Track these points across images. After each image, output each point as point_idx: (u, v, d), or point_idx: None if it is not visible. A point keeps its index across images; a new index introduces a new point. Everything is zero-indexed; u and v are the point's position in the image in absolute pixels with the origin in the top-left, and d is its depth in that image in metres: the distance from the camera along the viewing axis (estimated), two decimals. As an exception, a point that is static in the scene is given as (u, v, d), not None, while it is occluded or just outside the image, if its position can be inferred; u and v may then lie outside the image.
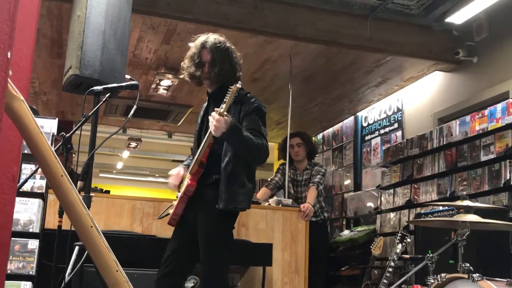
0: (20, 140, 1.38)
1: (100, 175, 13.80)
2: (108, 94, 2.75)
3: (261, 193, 5.45)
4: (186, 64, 3.06)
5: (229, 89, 2.71)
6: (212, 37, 3.02)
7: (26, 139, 1.26)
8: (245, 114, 2.91)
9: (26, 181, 2.64)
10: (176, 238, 2.98)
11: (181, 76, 3.16)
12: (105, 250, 1.33)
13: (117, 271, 1.33)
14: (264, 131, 2.94)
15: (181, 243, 2.94)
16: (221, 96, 2.83)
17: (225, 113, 2.71)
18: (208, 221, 2.84)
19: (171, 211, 3.01)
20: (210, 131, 2.77)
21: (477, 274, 2.68)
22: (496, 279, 2.71)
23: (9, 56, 1.00)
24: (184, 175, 3.05)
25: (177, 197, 3.03)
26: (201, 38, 3.04)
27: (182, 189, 2.93)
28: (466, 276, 2.74)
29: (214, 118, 2.70)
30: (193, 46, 3.06)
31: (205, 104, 3.19)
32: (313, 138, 8.37)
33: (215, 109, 2.73)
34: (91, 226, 1.32)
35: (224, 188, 2.82)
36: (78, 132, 2.66)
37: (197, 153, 2.89)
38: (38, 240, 3.34)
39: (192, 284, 3.59)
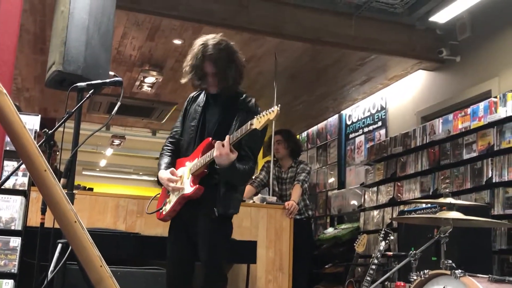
0: (3, 135, 1.36)
1: (83, 172, 13.70)
2: (92, 91, 2.72)
3: (246, 190, 5.43)
4: (188, 72, 2.95)
5: (250, 125, 2.59)
6: (211, 44, 2.88)
7: (9, 133, 1.24)
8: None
9: (8, 178, 2.61)
10: (177, 240, 2.96)
11: (183, 81, 3.05)
12: (89, 246, 1.32)
13: (101, 266, 1.32)
14: (258, 150, 2.96)
15: (183, 245, 2.93)
16: (223, 99, 2.93)
17: (232, 148, 2.67)
18: (211, 223, 2.82)
19: (164, 207, 2.98)
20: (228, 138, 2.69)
21: (460, 271, 2.71)
22: (478, 275, 2.74)
23: (-8, 49, 0.98)
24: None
25: (169, 193, 2.98)
26: (200, 46, 2.90)
27: (186, 190, 2.85)
28: (448, 272, 2.76)
29: (223, 149, 2.65)
30: (193, 55, 2.92)
31: (202, 99, 3.06)
32: (298, 136, 8.39)
33: (227, 136, 2.67)
34: (75, 222, 1.30)
35: (224, 194, 2.82)
36: (61, 129, 2.63)
37: (205, 157, 2.79)
38: (20, 238, 3.30)
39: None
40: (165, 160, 3.05)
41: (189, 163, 2.92)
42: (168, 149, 3.11)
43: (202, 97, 3.07)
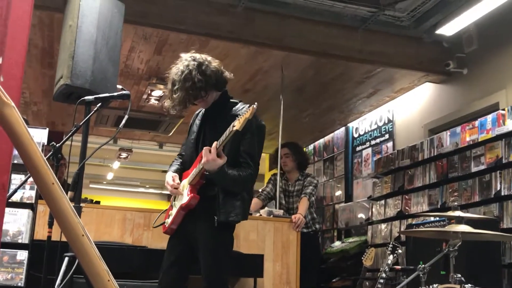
0: (11, 148, 1.36)
1: (91, 186, 13.72)
2: (99, 104, 2.74)
3: (252, 203, 5.41)
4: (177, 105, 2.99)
5: (232, 127, 2.62)
6: (179, 75, 2.88)
7: (17, 147, 1.24)
8: (245, 132, 2.79)
9: (15, 191, 2.61)
10: (173, 249, 2.96)
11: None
12: (97, 259, 1.31)
13: (108, 280, 1.31)
14: (257, 155, 2.94)
15: (179, 254, 2.92)
16: (217, 107, 2.98)
17: (221, 151, 2.69)
18: (211, 232, 2.83)
19: (167, 220, 2.99)
20: (215, 143, 2.72)
21: (469, 285, 2.68)
22: (488, 289, 2.72)
23: (0, 62, 0.99)
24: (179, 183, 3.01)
25: (172, 205, 3.01)
26: (170, 78, 2.94)
27: (183, 200, 2.88)
28: (458, 286, 2.74)
29: (210, 155, 2.67)
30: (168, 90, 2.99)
31: (201, 112, 3.13)
32: (304, 148, 8.37)
33: (215, 142, 2.69)
34: (83, 235, 1.30)
35: (223, 201, 2.81)
36: (68, 142, 2.64)
37: (200, 165, 2.81)
38: (27, 251, 3.31)
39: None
40: (173, 168, 3.13)
41: (190, 175, 2.96)
42: (177, 162, 3.19)
43: (202, 113, 3.14)
